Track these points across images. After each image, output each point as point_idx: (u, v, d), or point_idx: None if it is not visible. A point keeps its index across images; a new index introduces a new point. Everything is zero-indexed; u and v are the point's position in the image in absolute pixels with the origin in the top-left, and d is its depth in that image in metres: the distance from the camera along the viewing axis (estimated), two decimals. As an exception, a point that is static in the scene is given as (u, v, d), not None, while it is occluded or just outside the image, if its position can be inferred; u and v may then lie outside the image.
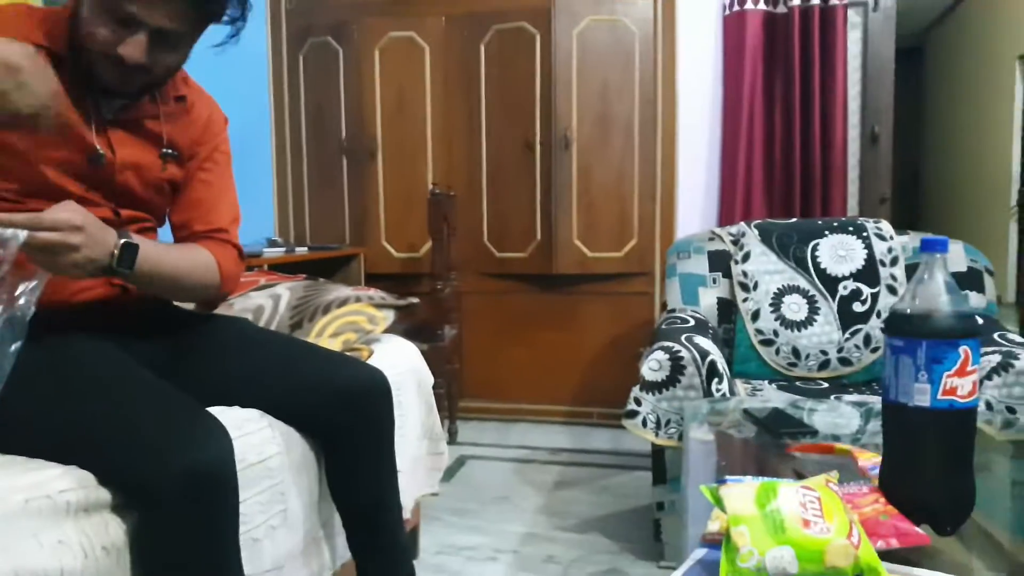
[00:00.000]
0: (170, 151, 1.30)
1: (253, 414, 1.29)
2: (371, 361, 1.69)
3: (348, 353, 1.67)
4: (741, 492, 0.82)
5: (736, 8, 2.95)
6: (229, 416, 1.25)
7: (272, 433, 1.30)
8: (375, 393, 1.36)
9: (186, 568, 0.97)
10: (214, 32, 1.23)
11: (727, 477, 0.91)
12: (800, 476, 1.12)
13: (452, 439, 2.93)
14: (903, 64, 3.34)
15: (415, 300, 2.60)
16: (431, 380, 1.98)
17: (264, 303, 1.76)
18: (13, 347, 0.92)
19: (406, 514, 1.75)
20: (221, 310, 1.70)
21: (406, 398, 1.80)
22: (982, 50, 5.58)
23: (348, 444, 1.34)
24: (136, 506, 0.97)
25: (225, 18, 1.20)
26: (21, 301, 0.94)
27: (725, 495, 0.83)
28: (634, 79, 3.08)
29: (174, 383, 1.16)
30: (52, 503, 0.91)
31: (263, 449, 1.27)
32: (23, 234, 0.93)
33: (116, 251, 1.07)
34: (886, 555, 0.81)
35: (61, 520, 0.92)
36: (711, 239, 2.47)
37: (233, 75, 3.01)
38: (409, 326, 2.80)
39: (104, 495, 0.97)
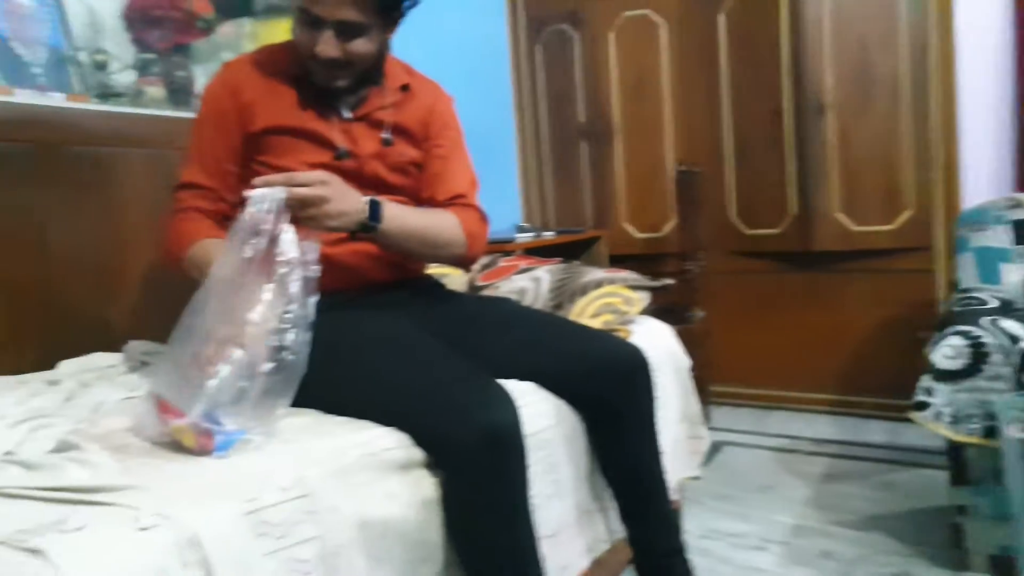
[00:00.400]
0: (389, 137, 1.41)
1: (528, 386, 1.33)
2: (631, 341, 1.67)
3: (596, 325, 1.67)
4: None
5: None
6: (509, 387, 1.30)
7: (545, 406, 1.34)
8: (638, 368, 1.37)
9: (487, 521, 1.04)
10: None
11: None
12: None
13: (706, 424, 2.83)
14: None
15: (669, 281, 2.55)
16: (687, 363, 1.92)
17: (527, 285, 1.82)
18: (312, 299, 1.05)
19: (670, 494, 1.72)
20: (488, 292, 1.78)
21: (664, 380, 1.75)
22: None
23: (614, 417, 1.36)
24: (443, 463, 1.05)
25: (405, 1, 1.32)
26: (310, 258, 1.05)
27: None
28: (898, 30, 2.74)
29: (451, 351, 1.23)
30: (380, 459, 1.02)
31: (537, 421, 1.30)
32: (282, 191, 1.07)
33: (363, 205, 1.21)
34: None
35: (388, 475, 1.02)
36: (1014, 206, 2.13)
37: (477, 71, 3.15)
38: (658, 308, 2.76)
39: (417, 454, 1.06)
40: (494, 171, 3.33)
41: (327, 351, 1.16)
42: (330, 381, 1.16)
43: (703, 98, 3.12)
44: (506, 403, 1.07)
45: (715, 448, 2.60)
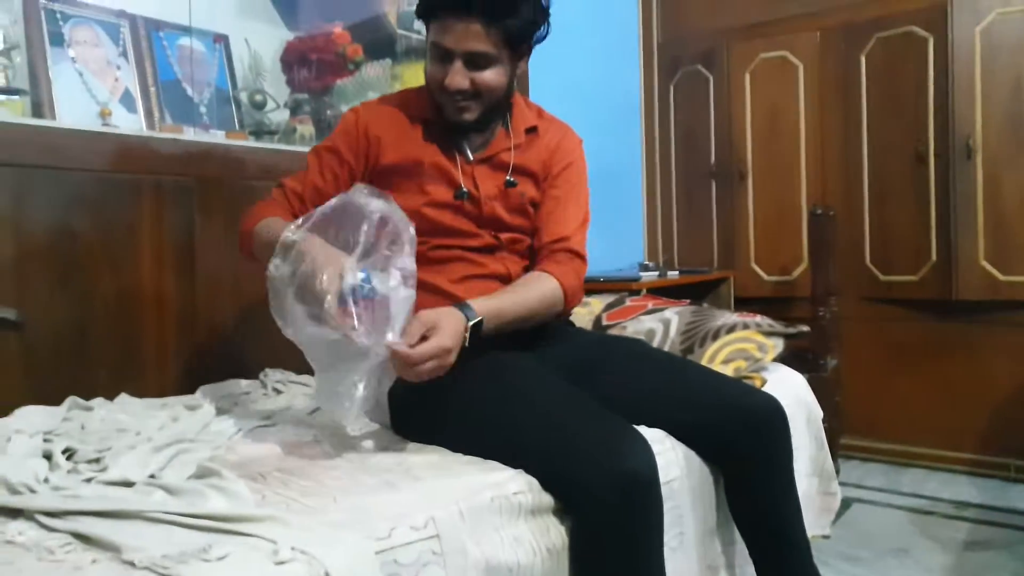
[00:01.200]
0: (512, 179, 1.44)
1: (657, 434, 1.31)
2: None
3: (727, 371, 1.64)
4: None
5: None
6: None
7: (675, 455, 1.31)
8: (775, 419, 1.33)
9: (618, 572, 1.02)
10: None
11: None
12: None
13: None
14: None
15: (805, 328, 2.47)
16: (820, 414, 1.86)
17: (655, 327, 1.81)
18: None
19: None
20: (615, 332, 1.79)
21: (795, 431, 1.69)
22: None
23: (750, 469, 1.32)
24: (575, 509, 1.04)
25: (536, 32, 1.36)
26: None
27: None
28: (1058, 72, 2.60)
29: (583, 396, 1.23)
30: (509, 503, 1.02)
31: (667, 470, 1.28)
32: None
33: (467, 334, 1.19)
34: None
35: (516, 519, 1.02)
36: None
37: (609, 109, 3.20)
38: (789, 354, 2.67)
39: (547, 499, 1.06)
40: (619, 209, 3.37)
41: (455, 389, 1.20)
42: (459, 419, 1.20)
43: (840, 140, 3.06)
44: (643, 450, 1.05)
45: (844, 505, 2.48)
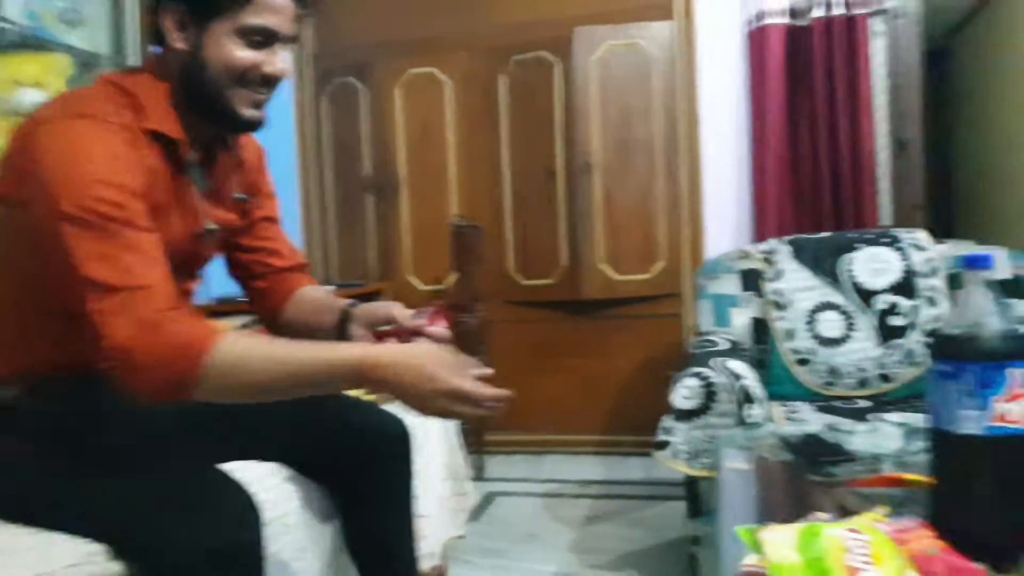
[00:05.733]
0: (241, 196, 1.26)
1: (271, 468, 1.25)
2: (391, 405, 1.65)
3: (368, 397, 1.63)
4: (781, 536, 0.76)
5: (758, 23, 2.90)
6: (247, 473, 1.22)
7: (291, 487, 1.26)
8: (392, 440, 1.31)
9: None
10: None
11: (766, 522, 0.85)
12: (845, 511, 1.04)
13: (479, 475, 2.86)
14: (931, 68, 3.25)
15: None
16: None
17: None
18: None
19: (433, 560, 1.69)
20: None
21: (429, 439, 1.75)
22: (1010, 49, 5.44)
23: (362, 495, 1.29)
24: None
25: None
26: None
27: (764, 540, 0.76)
28: (654, 102, 3.04)
29: (194, 438, 1.14)
30: None
31: (281, 505, 1.23)
32: None
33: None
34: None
35: None
36: (741, 258, 2.40)
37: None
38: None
39: (114, 569, 0.93)
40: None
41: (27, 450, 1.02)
42: (29, 486, 1.03)
43: (486, 155, 3.25)
44: (243, 517, 0.96)
45: (487, 500, 2.63)
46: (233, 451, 1.23)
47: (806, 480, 1.26)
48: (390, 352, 0.99)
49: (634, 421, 3.01)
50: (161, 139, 1.07)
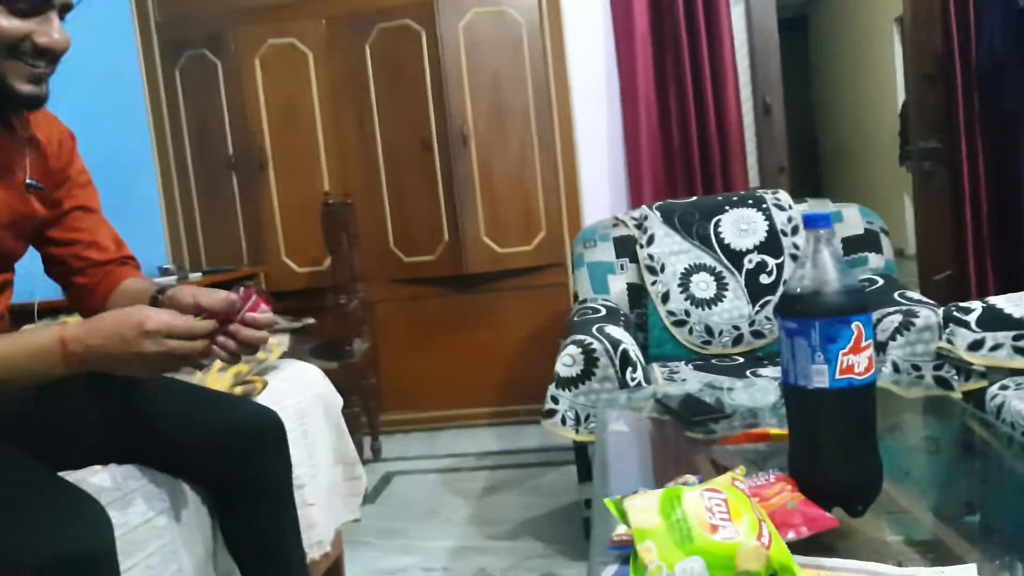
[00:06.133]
0: (35, 183, 1.13)
1: (132, 471, 1.18)
2: (267, 393, 1.58)
3: (241, 387, 1.56)
4: (644, 503, 0.77)
5: (621, -10, 2.93)
6: (105, 476, 1.15)
7: (156, 489, 1.20)
8: (265, 435, 1.26)
9: None
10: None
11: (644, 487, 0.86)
12: (719, 467, 1.08)
13: (376, 456, 2.82)
14: (790, 34, 3.40)
15: (310, 321, 2.49)
16: (339, 402, 1.88)
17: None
18: None
19: (326, 547, 1.66)
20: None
21: (313, 426, 1.70)
22: (861, 15, 5.79)
23: (238, 493, 1.24)
24: None
25: None
26: None
27: (629, 507, 0.77)
28: (525, 69, 3.03)
29: (44, 443, 1.08)
30: None
31: (147, 508, 1.16)
32: None
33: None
34: (798, 544, 0.78)
35: None
36: (615, 225, 2.44)
37: (105, 97, 2.82)
38: (316, 344, 2.69)
39: None
40: (133, 208, 3.02)
41: None
42: None
43: (356, 129, 3.14)
44: (90, 526, 0.90)
45: (386, 480, 2.60)
46: (89, 453, 1.17)
47: (683, 439, 1.30)
48: (88, 321, 0.96)
49: (526, 390, 3.04)
50: None
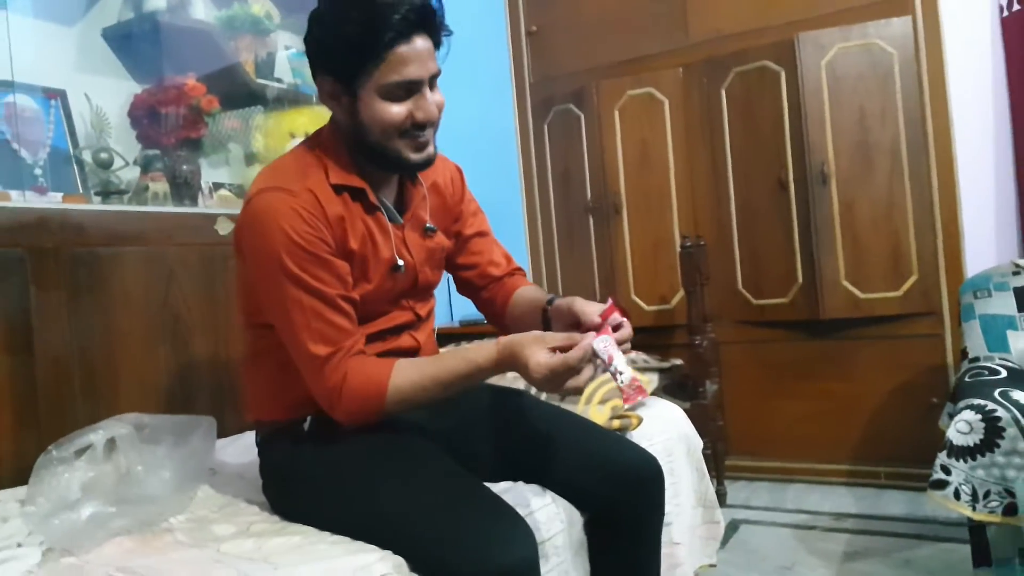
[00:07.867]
0: (432, 227, 1.34)
1: (537, 490, 1.31)
2: (640, 429, 1.65)
3: (618, 420, 1.64)
4: None
5: (1012, 9, 2.58)
6: (517, 493, 1.27)
7: (556, 510, 1.31)
8: (653, 479, 1.34)
9: None
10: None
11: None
12: None
13: (722, 502, 2.77)
14: None
15: (678, 362, 2.53)
16: (700, 444, 1.89)
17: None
18: None
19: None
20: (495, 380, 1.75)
21: (678, 466, 1.73)
22: None
23: (621, 527, 1.32)
24: None
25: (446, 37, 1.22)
26: None
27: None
28: (896, 103, 2.80)
29: (463, 455, 1.21)
30: None
31: (549, 527, 1.27)
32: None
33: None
34: None
35: None
36: (1016, 273, 2.13)
37: (487, 152, 3.23)
38: (669, 382, 2.73)
39: None
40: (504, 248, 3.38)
41: (325, 461, 1.14)
42: (333, 495, 1.13)
43: (708, 171, 3.17)
44: (524, 539, 1.01)
45: (732, 527, 2.53)
46: (498, 468, 1.32)
47: None
48: (509, 340, 1.13)
49: (888, 451, 2.78)
50: (348, 189, 1.19)
